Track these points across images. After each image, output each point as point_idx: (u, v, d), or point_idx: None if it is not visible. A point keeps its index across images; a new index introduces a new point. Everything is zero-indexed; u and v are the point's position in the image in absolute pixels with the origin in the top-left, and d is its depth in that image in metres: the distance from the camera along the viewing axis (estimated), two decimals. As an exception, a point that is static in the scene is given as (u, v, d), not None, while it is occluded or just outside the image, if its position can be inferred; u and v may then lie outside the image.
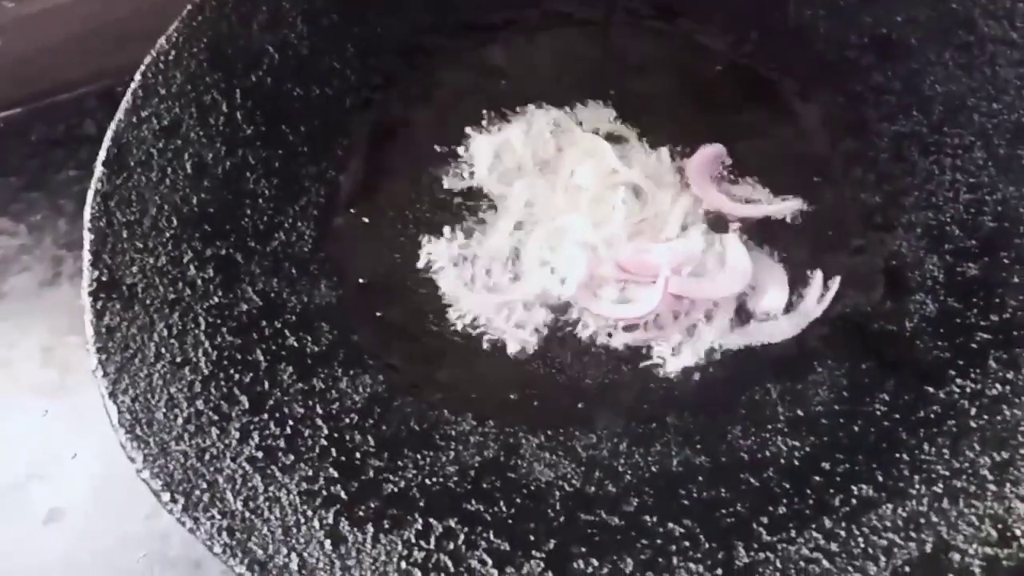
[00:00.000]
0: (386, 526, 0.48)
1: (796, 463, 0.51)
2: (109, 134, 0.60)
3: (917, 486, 0.48)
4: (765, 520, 0.48)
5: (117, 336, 0.53)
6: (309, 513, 0.48)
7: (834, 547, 0.46)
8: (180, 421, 0.51)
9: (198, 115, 0.62)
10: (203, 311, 0.56)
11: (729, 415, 0.53)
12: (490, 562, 0.47)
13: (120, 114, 0.61)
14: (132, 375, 0.52)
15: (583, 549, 0.48)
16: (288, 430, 0.52)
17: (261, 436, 0.51)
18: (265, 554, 0.47)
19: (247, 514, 0.48)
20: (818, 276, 0.58)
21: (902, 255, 0.58)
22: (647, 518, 0.49)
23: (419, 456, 0.52)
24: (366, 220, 0.63)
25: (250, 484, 0.49)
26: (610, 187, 0.62)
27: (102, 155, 0.59)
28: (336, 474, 0.50)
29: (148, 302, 0.55)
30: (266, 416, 0.52)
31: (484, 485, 0.51)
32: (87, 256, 0.56)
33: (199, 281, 0.57)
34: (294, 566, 0.46)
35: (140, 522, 0.59)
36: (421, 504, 0.49)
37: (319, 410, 0.53)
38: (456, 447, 0.52)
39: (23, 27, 0.76)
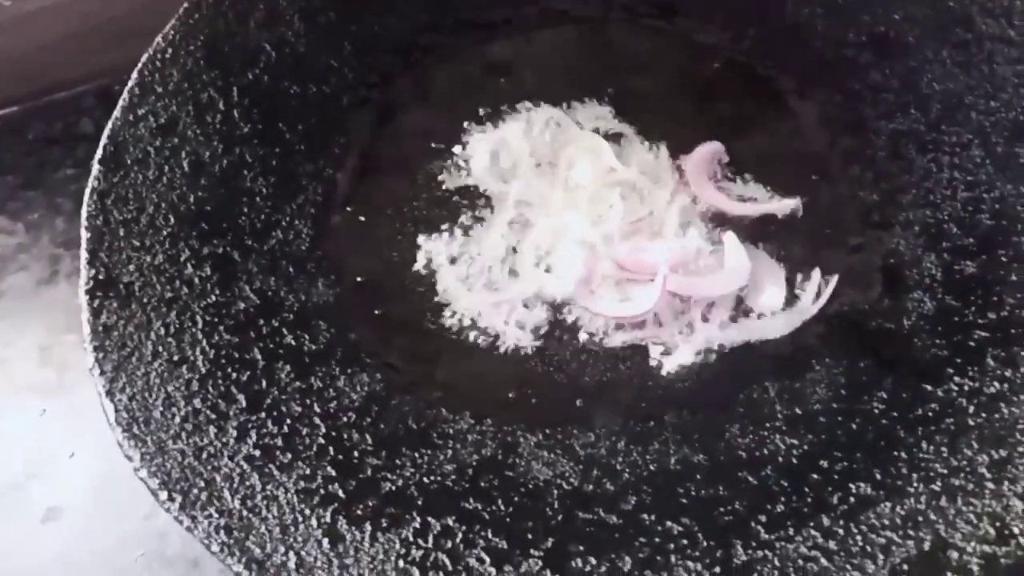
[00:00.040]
0: (384, 524, 0.48)
1: (794, 461, 0.51)
2: (106, 132, 0.60)
3: (915, 484, 0.48)
4: (763, 518, 0.48)
5: (114, 335, 0.53)
6: (307, 511, 0.48)
7: (832, 545, 0.46)
8: (177, 420, 0.51)
9: (195, 113, 0.62)
10: (200, 309, 0.55)
11: (727, 413, 0.53)
12: (488, 560, 0.47)
13: (117, 112, 0.61)
14: (129, 374, 0.52)
15: (581, 547, 0.48)
16: (286, 429, 0.52)
17: (259, 435, 0.51)
18: (263, 552, 0.47)
19: (245, 512, 0.48)
20: (816, 274, 0.58)
21: (900, 253, 0.58)
22: (645, 516, 0.49)
23: (417, 454, 0.52)
24: (363, 218, 0.63)
25: (248, 483, 0.49)
26: (608, 185, 0.62)
27: (99, 153, 0.59)
28: (334, 472, 0.50)
29: (145, 300, 0.55)
30: (264, 415, 0.52)
31: (482, 483, 0.51)
32: (84, 254, 0.56)
33: (196, 279, 0.57)
34: (292, 564, 0.46)
35: (138, 521, 0.59)
36: (419, 502, 0.49)
37: (317, 409, 0.53)
38: (454, 445, 0.52)
39: (20, 25, 0.76)
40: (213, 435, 0.51)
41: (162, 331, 0.54)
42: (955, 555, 0.45)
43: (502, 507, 0.49)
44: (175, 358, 0.53)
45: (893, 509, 0.47)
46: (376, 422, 0.53)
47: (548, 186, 0.63)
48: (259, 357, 0.54)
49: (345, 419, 0.53)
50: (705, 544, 0.47)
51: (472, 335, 0.58)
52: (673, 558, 0.47)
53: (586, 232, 0.60)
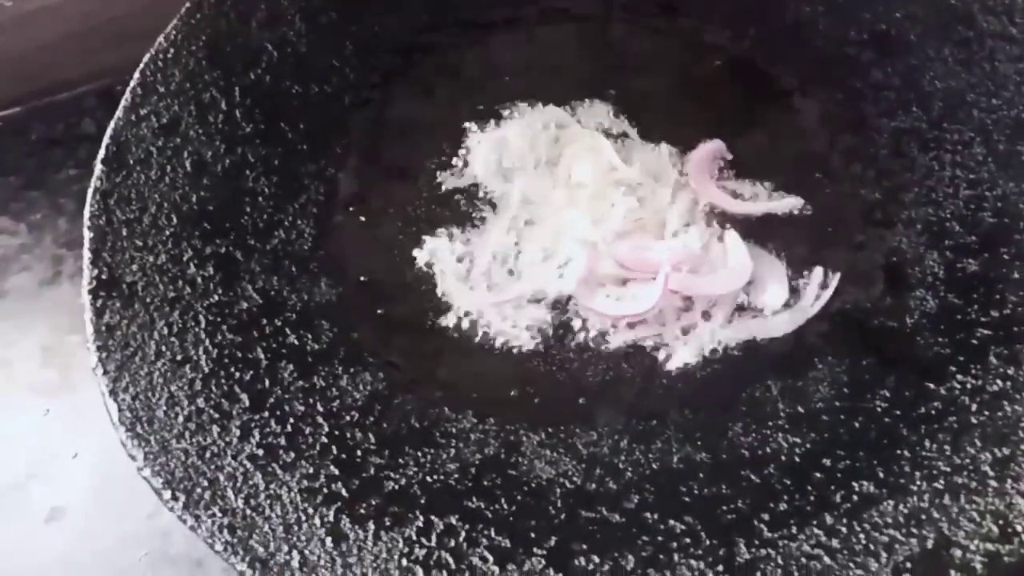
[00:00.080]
0: (387, 523, 0.48)
1: (797, 460, 0.51)
2: (108, 132, 0.60)
3: (918, 482, 0.48)
4: (766, 517, 0.48)
5: (117, 334, 0.53)
6: (310, 511, 0.48)
7: (835, 543, 0.46)
8: (181, 419, 0.51)
9: (197, 113, 0.62)
10: (203, 309, 0.56)
11: (730, 412, 0.53)
12: (491, 559, 0.47)
13: (119, 112, 0.61)
14: (132, 373, 0.52)
15: (584, 546, 0.48)
16: (289, 428, 0.52)
17: (262, 434, 0.51)
18: (266, 552, 0.47)
19: (248, 512, 0.48)
20: (818, 272, 0.58)
21: (902, 251, 0.58)
22: (648, 515, 0.49)
23: (420, 453, 0.52)
24: (365, 218, 0.63)
25: (251, 482, 0.49)
26: (609, 184, 0.62)
27: (101, 153, 0.59)
28: (337, 472, 0.50)
29: (148, 300, 0.55)
30: (267, 414, 0.52)
31: (485, 482, 0.51)
32: (87, 254, 0.56)
33: (199, 279, 0.57)
34: (295, 564, 0.46)
35: (141, 521, 0.59)
36: (422, 501, 0.49)
37: (320, 408, 0.53)
38: (457, 444, 0.52)
39: (22, 25, 0.76)
40: (216, 434, 0.51)
41: (165, 331, 0.54)
42: (958, 553, 0.45)
43: (505, 506, 0.50)
44: (178, 358, 0.53)
45: (896, 507, 0.47)
46: (379, 421, 0.53)
47: (549, 185, 0.63)
48: (262, 356, 0.55)
49: (348, 418, 0.53)
50: (708, 543, 0.47)
51: (474, 335, 0.58)
52: (676, 557, 0.47)
53: (588, 231, 0.60)
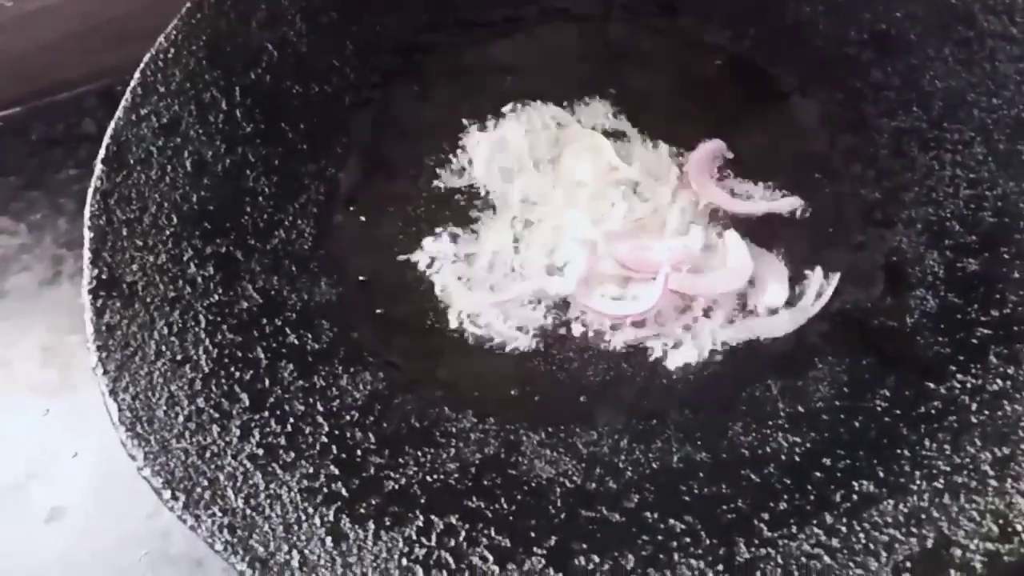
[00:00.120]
0: (387, 523, 0.48)
1: (797, 459, 0.51)
2: (109, 132, 0.60)
3: (918, 482, 0.48)
4: (766, 516, 0.48)
5: (117, 334, 0.53)
6: (310, 510, 0.48)
7: (835, 543, 0.46)
8: (181, 419, 0.51)
9: (197, 113, 0.62)
10: (203, 309, 0.56)
11: (730, 411, 0.53)
12: (491, 559, 0.47)
13: (119, 112, 0.61)
14: (132, 373, 0.52)
15: (584, 545, 0.48)
16: (289, 427, 0.52)
17: (262, 433, 0.51)
18: (266, 551, 0.47)
19: (248, 511, 0.48)
20: (818, 272, 0.58)
21: (902, 251, 0.58)
22: (648, 514, 0.49)
23: (420, 453, 0.52)
24: (365, 218, 0.63)
25: (251, 481, 0.49)
26: (609, 184, 0.62)
27: (102, 153, 0.59)
28: (337, 471, 0.50)
29: (148, 300, 0.55)
30: (267, 414, 0.52)
31: (485, 482, 0.51)
32: (87, 254, 0.56)
33: (199, 279, 0.57)
34: (295, 563, 0.46)
35: (141, 520, 0.59)
36: (422, 501, 0.49)
37: (320, 407, 0.53)
38: (457, 444, 0.52)
39: (22, 25, 0.76)
40: (216, 434, 0.51)
41: (165, 330, 0.54)
42: (958, 552, 0.45)
43: (505, 505, 0.50)
44: (178, 357, 0.53)
45: (896, 507, 0.47)
46: (379, 421, 0.53)
47: (549, 185, 0.63)
48: (262, 356, 0.55)
49: (348, 418, 0.53)
50: (708, 542, 0.47)
51: (474, 334, 0.58)
52: (676, 556, 0.47)
53: (587, 230, 0.60)
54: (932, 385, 0.52)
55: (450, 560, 0.47)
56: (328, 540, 0.47)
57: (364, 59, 0.68)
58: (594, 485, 0.51)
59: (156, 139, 0.60)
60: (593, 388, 0.56)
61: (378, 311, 0.59)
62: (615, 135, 0.64)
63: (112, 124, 0.60)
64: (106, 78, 0.77)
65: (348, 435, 0.52)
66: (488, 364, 0.57)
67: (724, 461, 0.51)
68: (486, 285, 0.60)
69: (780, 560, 0.46)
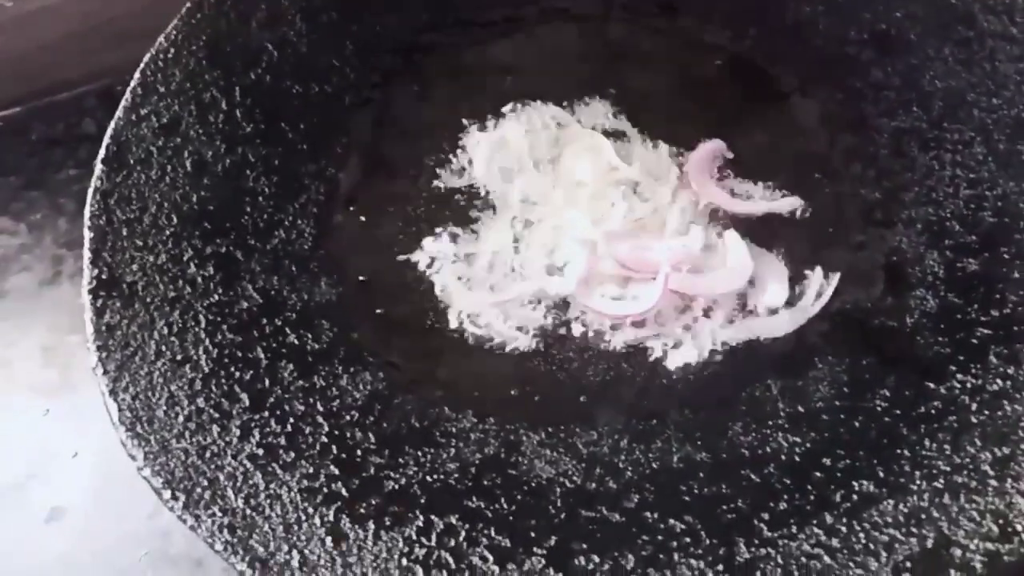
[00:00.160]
0: (387, 523, 0.48)
1: (797, 459, 0.51)
2: (109, 132, 0.60)
3: (918, 482, 0.48)
4: (766, 516, 0.48)
5: (117, 334, 0.53)
6: (310, 510, 0.48)
7: (835, 543, 0.46)
8: (181, 419, 0.51)
9: (197, 113, 0.62)
10: (203, 309, 0.56)
11: (730, 411, 0.53)
12: (491, 559, 0.47)
13: (119, 112, 0.61)
14: (132, 373, 0.52)
15: (584, 545, 0.48)
16: (289, 427, 0.52)
17: (262, 433, 0.51)
18: (266, 551, 0.47)
19: (248, 511, 0.48)
20: (818, 272, 0.58)
21: (902, 251, 0.58)
22: (648, 514, 0.49)
23: (420, 453, 0.52)
24: (365, 218, 0.63)
25: (251, 481, 0.49)
26: (609, 184, 0.62)
27: (102, 153, 0.59)
28: (337, 471, 0.50)
29: (148, 300, 0.55)
30: (267, 414, 0.52)
31: (485, 482, 0.51)
32: (87, 254, 0.56)
33: (199, 279, 0.57)
34: (295, 563, 0.46)
35: (141, 520, 0.59)
36: (422, 501, 0.49)
37: (320, 407, 0.53)
38: (457, 444, 0.52)
39: (22, 25, 0.76)
40: (216, 434, 0.51)
41: (165, 330, 0.54)
42: (958, 552, 0.45)
43: (505, 505, 0.50)
44: (178, 357, 0.53)
45: (896, 507, 0.47)
46: (379, 421, 0.53)
47: (549, 185, 0.63)
48: (262, 356, 0.55)
49: (348, 418, 0.53)
50: (708, 542, 0.47)
51: (473, 334, 0.58)
52: (676, 556, 0.47)
53: (587, 230, 0.60)
54: (932, 385, 0.52)
55: (450, 560, 0.47)
56: (328, 540, 0.47)
57: (364, 59, 0.68)
58: (594, 485, 0.51)
59: (156, 139, 0.60)
60: (593, 388, 0.56)
61: (378, 311, 0.59)
62: (615, 135, 0.64)
63: (112, 124, 0.60)
64: (106, 78, 0.77)
65: (348, 435, 0.52)
66: (488, 364, 0.57)
67: (724, 461, 0.51)
68: (486, 285, 0.60)
69: (780, 560, 0.46)
